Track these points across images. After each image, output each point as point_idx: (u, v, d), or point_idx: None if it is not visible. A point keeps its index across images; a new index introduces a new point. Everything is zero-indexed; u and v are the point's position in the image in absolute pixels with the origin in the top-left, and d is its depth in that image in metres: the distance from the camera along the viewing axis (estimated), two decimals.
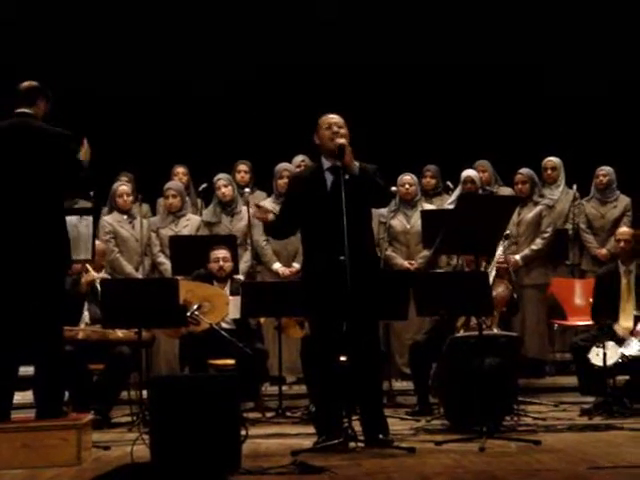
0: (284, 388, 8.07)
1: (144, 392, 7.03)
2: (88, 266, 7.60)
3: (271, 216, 6.15)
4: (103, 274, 7.85)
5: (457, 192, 8.88)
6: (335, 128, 6.02)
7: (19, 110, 5.88)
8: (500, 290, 7.23)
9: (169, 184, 9.15)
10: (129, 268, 8.84)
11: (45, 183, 5.78)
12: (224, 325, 7.69)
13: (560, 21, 10.62)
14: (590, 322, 8.00)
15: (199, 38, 10.64)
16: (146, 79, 10.51)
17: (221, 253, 7.96)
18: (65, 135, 5.87)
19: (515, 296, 7.44)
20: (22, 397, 6.73)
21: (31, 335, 5.79)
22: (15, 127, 5.85)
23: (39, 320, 5.77)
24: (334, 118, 6.08)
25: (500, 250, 7.34)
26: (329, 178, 6.04)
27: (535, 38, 10.63)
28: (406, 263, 8.83)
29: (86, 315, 7.64)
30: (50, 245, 5.78)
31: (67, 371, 7.27)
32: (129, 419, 7.30)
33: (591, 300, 7.91)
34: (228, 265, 8.00)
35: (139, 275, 8.78)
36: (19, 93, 5.92)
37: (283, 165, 9.04)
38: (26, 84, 5.94)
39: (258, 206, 6.38)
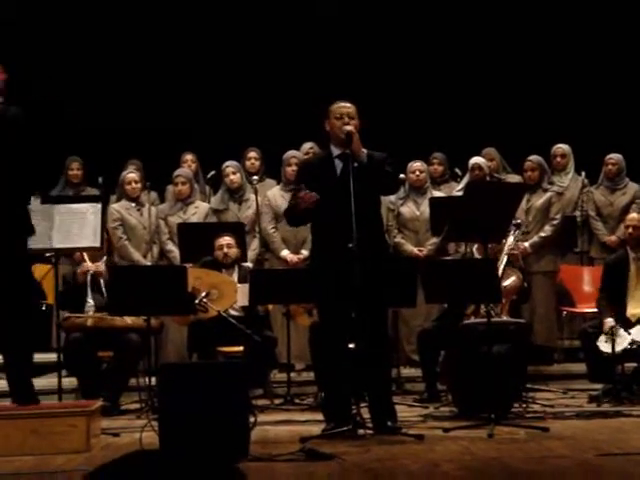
0: (293, 375, 8.08)
1: (153, 379, 7.05)
2: (85, 256, 7.62)
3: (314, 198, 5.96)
4: (101, 264, 7.81)
5: (466, 179, 8.87)
6: (346, 119, 6.00)
7: None
8: (512, 279, 7.22)
9: (178, 171, 9.15)
10: (137, 255, 8.85)
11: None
12: (233, 312, 7.69)
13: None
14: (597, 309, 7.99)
15: (206, 28, 10.64)
16: (154, 66, 10.51)
17: (225, 240, 7.95)
18: (20, 115, 5.72)
19: (525, 284, 7.44)
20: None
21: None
22: None
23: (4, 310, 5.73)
24: (346, 108, 6.05)
25: (511, 239, 7.33)
26: (338, 165, 6.04)
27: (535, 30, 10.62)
28: (416, 250, 8.83)
29: (91, 303, 7.66)
30: (8, 229, 5.68)
31: (76, 358, 7.35)
32: (138, 406, 7.32)
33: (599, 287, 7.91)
34: (233, 251, 7.99)
35: (147, 262, 8.78)
36: None
37: (291, 152, 9.03)
38: None
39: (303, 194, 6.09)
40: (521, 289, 7.35)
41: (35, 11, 10.40)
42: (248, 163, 9.43)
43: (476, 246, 7.64)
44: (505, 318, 7.12)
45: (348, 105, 6.08)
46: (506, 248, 7.29)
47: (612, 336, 7.25)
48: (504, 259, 7.24)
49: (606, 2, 10.54)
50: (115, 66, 10.41)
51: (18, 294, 5.77)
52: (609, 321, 7.42)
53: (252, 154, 9.48)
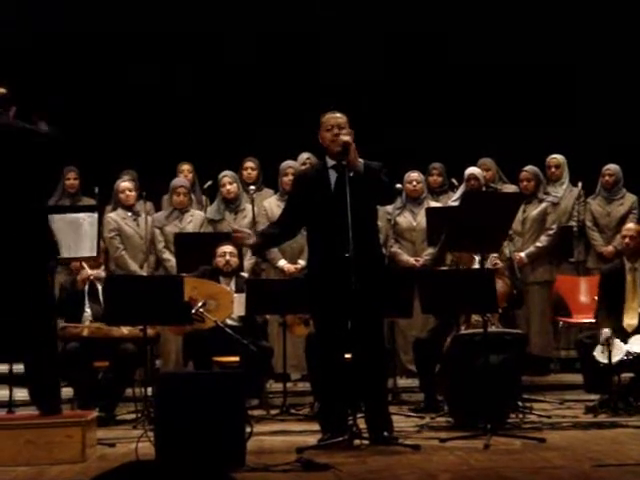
0: (289, 385, 8.08)
1: (149, 389, 7.04)
2: (84, 263, 7.61)
3: (252, 240, 6.14)
4: (101, 271, 7.83)
5: (461, 189, 8.88)
6: (336, 130, 5.99)
7: None
8: (498, 286, 7.20)
9: (179, 182, 9.12)
10: (134, 266, 8.82)
11: (17, 179, 5.70)
12: (230, 322, 7.69)
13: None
14: (595, 320, 7.98)
15: (202, 37, 10.64)
16: (151, 75, 10.51)
17: (228, 248, 7.97)
18: (29, 130, 5.79)
19: (515, 292, 7.42)
20: (27, 394, 6.72)
21: (18, 335, 5.77)
22: None
23: (26, 320, 5.74)
24: (336, 119, 6.03)
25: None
26: (333, 176, 6.04)
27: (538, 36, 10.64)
28: (412, 260, 8.83)
29: (89, 313, 7.65)
30: (29, 242, 5.72)
31: (72, 368, 7.33)
32: (134, 416, 7.30)
33: (596, 298, 7.90)
34: (234, 260, 8.00)
35: (143, 272, 8.77)
36: None
37: (288, 162, 9.04)
38: (2, 90, 5.84)
39: (236, 230, 6.35)
40: (510, 295, 7.33)
41: (34, 19, 10.42)
42: (245, 173, 9.43)
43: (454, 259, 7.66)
44: (497, 326, 7.11)
45: (338, 115, 6.06)
46: (491, 256, 7.27)
47: (608, 347, 7.24)
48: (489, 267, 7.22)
49: (601, 10, 10.55)
50: (114, 75, 10.40)
51: (42, 306, 5.81)
52: (606, 332, 7.41)
53: (249, 164, 9.49)
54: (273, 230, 6.36)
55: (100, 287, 7.65)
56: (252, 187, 9.06)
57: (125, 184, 8.99)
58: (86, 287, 7.71)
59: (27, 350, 5.80)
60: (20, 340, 5.80)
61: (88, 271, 7.67)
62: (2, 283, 5.72)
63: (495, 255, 7.25)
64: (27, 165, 5.74)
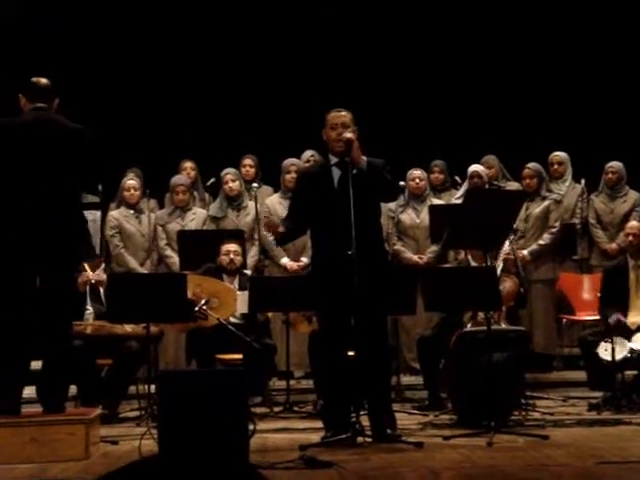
0: (292, 383, 8.06)
1: (152, 387, 7.04)
2: (85, 265, 7.61)
3: (281, 229, 6.11)
4: (101, 272, 7.82)
5: (464, 187, 8.87)
6: (341, 129, 5.99)
7: (40, 105, 5.85)
8: (507, 285, 7.21)
9: (178, 180, 9.10)
10: (133, 263, 8.82)
11: (67, 177, 5.77)
12: (232, 320, 7.68)
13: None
14: (598, 317, 7.98)
15: (206, 37, 10.63)
16: (153, 73, 10.51)
17: (232, 247, 7.98)
18: (86, 132, 5.87)
19: (522, 290, 7.42)
20: (32, 391, 6.72)
21: (42, 330, 5.80)
22: (40, 121, 5.81)
23: (51, 315, 5.77)
24: (340, 117, 6.03)
25: (507, 244, 7.31)
26: (336, 173, 6.04)
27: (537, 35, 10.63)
28: (415, 257, 8.82)
29: (90, 311, 7.65)
30: (67, 239, 5.77)
31: (75, 366, 7.33)
32: (137, 414, 7.30)
33: (599, 295, 7.90)
34: (238, 259, 8.01)
35: (143, 271, 8.76)
36: (38, 89, 5.87)
37: (290, 160, 9.02)
38: (45, 81, 5.89)
39: (268, 217, 6.34)
40: (518, 295, 7.33)
41: (32, 19, 10.42)
42: (243, 170, 9.41)
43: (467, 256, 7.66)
44: (503, 325, 7.11)
45: (343, 114, 6.06)
46: (502, 254, 7.28)
47: (619, 326, 7.22)
48: (500, 265, 7.23)
49: (603, 9, 10.54)
50: (115, 74, 10.40)
51: (67, 304, 5.87)
52: (614, 316, 7.38)
53: (247, 161, 9.47)
54: (290, 225, 6.31)
55: (102, 288, 7.64)
56: (255, 185, 9.06)
57: (131, 182, 8.98)
58: (87, 288, 7.71)
59: (52, 346, 5.81)
60: (48, 336, 5.81)
61: (90, 274, 7.65)
62: (33, 280, 5.77)
63: (506, 250, 7.25)
64: (71, 162, 5.78)
